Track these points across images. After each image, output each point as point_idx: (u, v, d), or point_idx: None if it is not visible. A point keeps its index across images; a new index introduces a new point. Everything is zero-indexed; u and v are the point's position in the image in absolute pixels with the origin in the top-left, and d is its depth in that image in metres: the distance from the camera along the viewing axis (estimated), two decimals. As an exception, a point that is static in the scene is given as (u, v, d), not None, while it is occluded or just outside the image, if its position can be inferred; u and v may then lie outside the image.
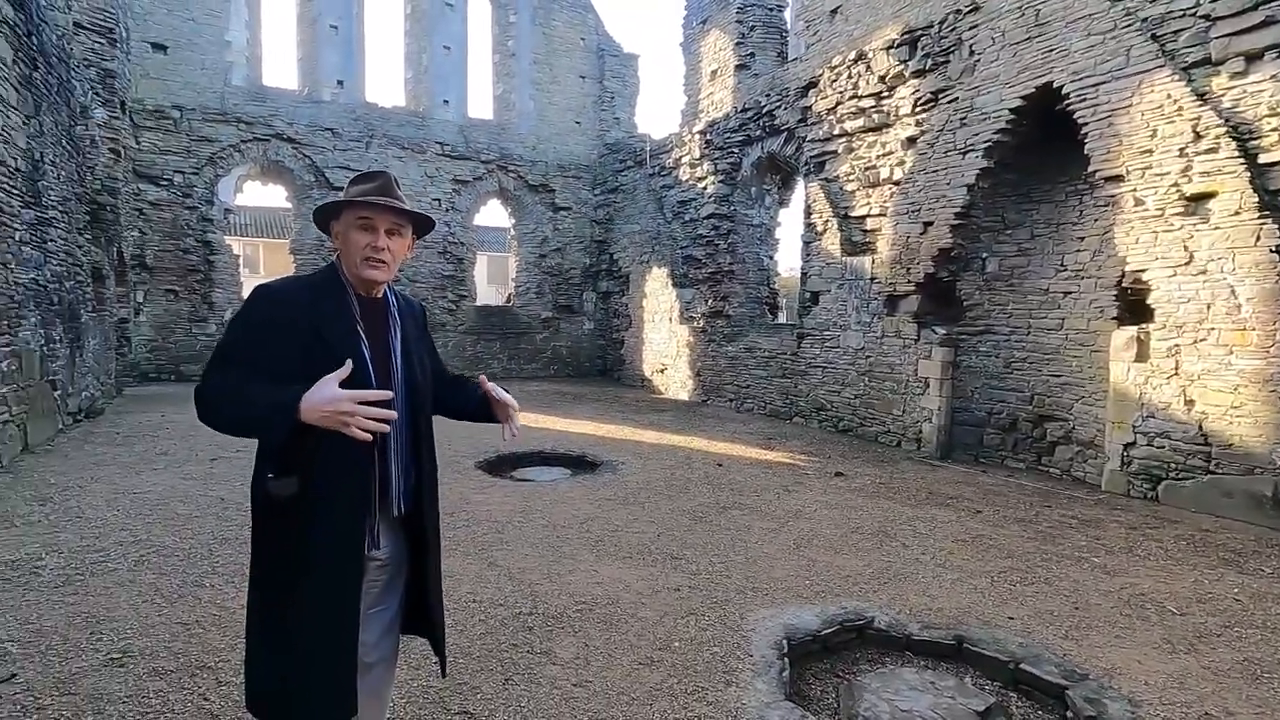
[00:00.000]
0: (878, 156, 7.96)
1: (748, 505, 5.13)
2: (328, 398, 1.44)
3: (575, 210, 14.80)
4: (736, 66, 11.01)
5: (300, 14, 12.81)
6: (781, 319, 12.56)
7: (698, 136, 11.33)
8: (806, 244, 9.22)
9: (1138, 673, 2.77)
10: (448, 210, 13.54)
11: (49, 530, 4.01)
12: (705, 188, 11.21)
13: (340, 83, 12.78)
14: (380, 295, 1.74)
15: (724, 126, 10.75)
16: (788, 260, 12.91)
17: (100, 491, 4.86)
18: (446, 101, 13.62)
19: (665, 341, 12.49)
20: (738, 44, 10.95)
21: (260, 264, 25.92)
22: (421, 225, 1.79)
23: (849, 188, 8.39)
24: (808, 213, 9.18)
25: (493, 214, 15.94)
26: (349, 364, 1.51)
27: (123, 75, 10.28)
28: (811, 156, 8.97)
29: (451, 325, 13.76)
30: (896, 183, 7.72)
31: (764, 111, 9.91)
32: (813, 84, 8.93)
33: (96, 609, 2.99)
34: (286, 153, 12.26)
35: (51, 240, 7.05)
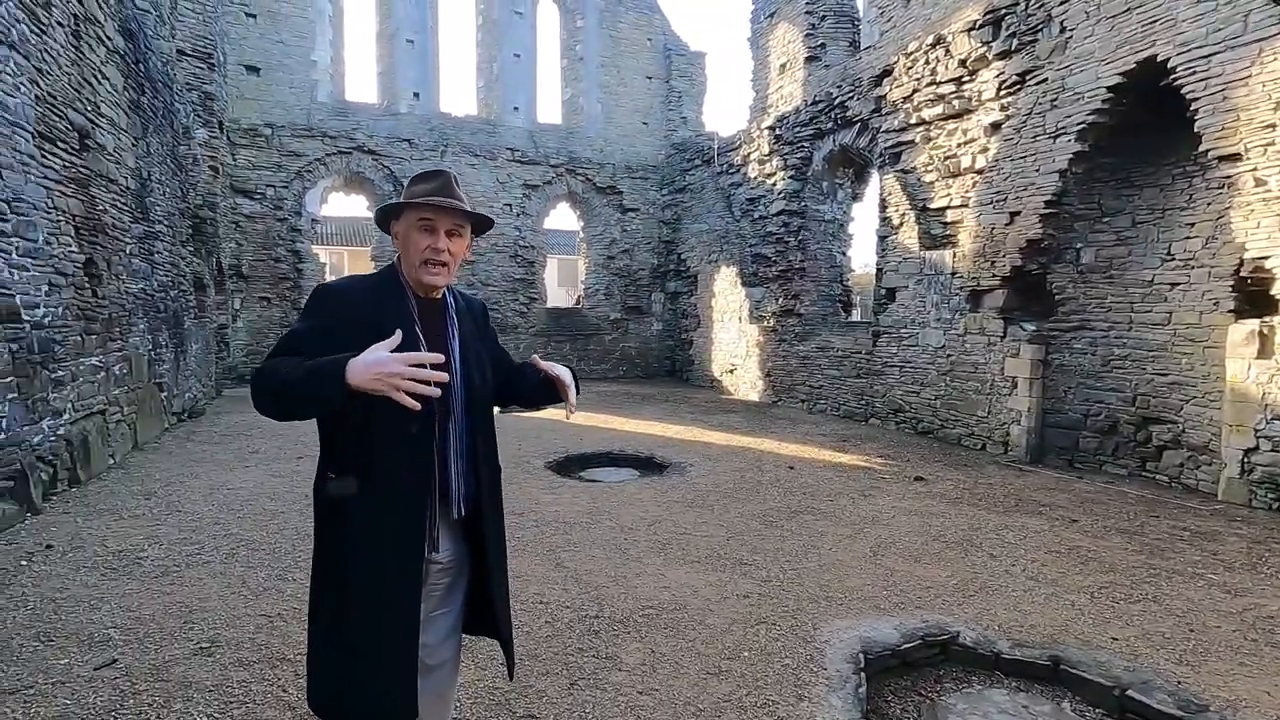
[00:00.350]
0: (958, 145, 7.57)
1: (821, 510, 4.95)
2: (377, 359, 1.38)
3: (643, 211, 14.81)
4: (806, 59, 10.73)
5: (380, 31, 13.34)
6: (855, 317, 12.16)
7: (766, 132, 11.11)
8: (882, 239, 8.87)
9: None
10: (518, 215, 13.81)
11: (151, 523, 4.28)
12: (774, 184, 10.98)
13: (416, 95, 13.23)
14: (439, 296, 1.73)
15: (793, 120, 10.49)
16: (861, 256, 12.51)
17: (198, 487, 5.16)
18: (516, 108, 13.89)
19: (734, 341, 12.31)
20: (807, 35, 10.68)
21: (345, 270, 27.21)
22: (480, 225, 1.78)
23: (927, 178, 8.02)
24: (883, 206, 8.84)
25: (562, 217, 16.17)
26: (399, 334, 1.46)
27: (220, 97, 10.98)
28: (886, 148, 8.62)
29: (523, 327, 14.01)
30: (979, 171, 7.31)
31: (835, 103, 9.61)
32: (887, 72, 8.59)
33: (190, 599, 3.16)
34: (367, 164, 12.79)
35: (158, 253, 7.59)
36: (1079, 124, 6.20)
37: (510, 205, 13.72)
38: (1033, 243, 6.77)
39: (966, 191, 7.49)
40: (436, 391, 1.43)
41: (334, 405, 1.42)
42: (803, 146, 10.44)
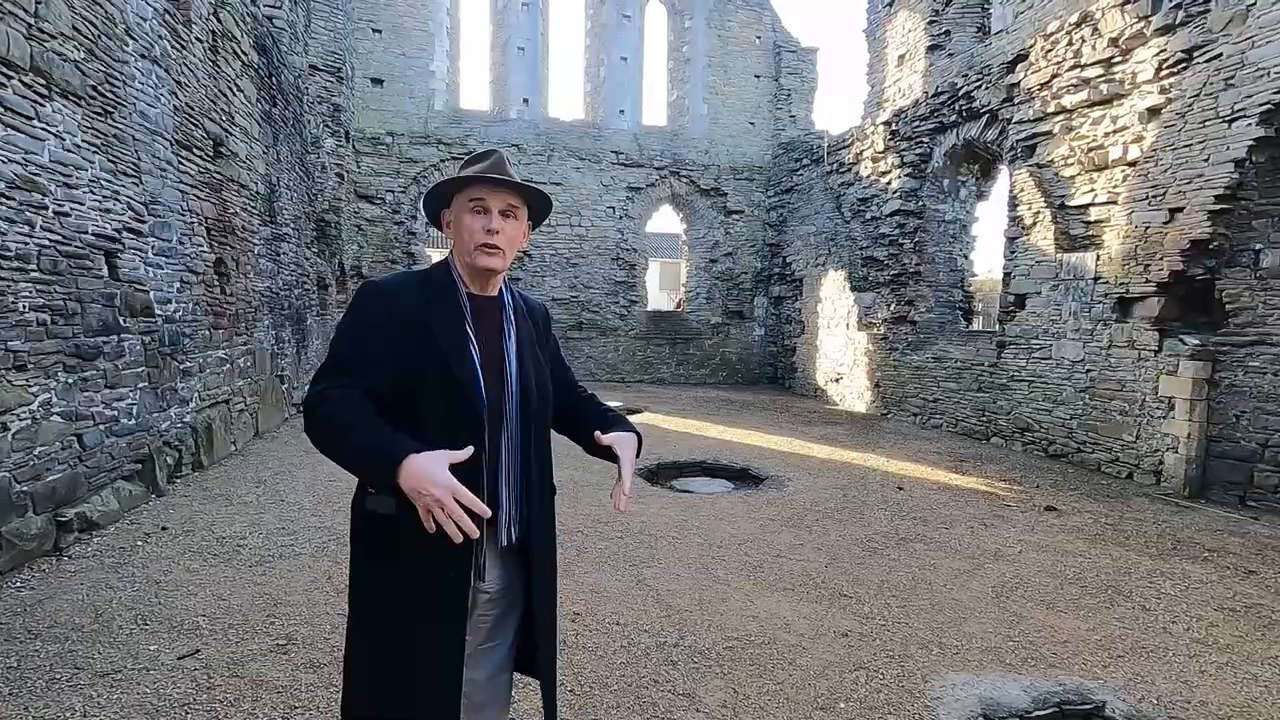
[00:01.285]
0: (1105, 134, 6.72)
1: (934, 539, 4.46)
2: (429, 474, 1.26)
3: (747, 213, 14.41)
4: (928, 48, 10.01)
5: (493, 40, 13.77)
6: (976, 325, 11.21)
7: (882, 128, 10.45)
8: (1011, 240, 8.07)
9: None
10: (621, 218, 13.81)
11: (257, 511, 4.47)
12: (889, 182, 10.30)
13: (526, 100, 13.53)
14: (495, 293, 1.56)
15: (912, 114, 9.79)
16: (984, 260, 11.53)
17: (303, 478, 5.38)
18: (622, 111, 13.90)
19: (841, 349, 11.69)
20: (930, 23, 9.96)
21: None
22: (537, 210, 1.60)
23: (1066, 173, 7.19)
24: (1013, 204, 8.03)
25: (666, 220, 16.08)
26: (469, 450, 1.34)
27: (347, 108, 11.68)
28: (1019, 140, 7.82)
29: (622, 330, 13.99)
30: (1131, 163, 6.45)
31: (960, 94, 8.87)
32: (1021, 57, 7.80)
33: (277, 592, 3.20)
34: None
35: (284, 254, 8.09)
36: (1263, 105, 5.30)
37: (613, 208, 13.74)
38: (1198, 244, 5.88)
39: (1115, 186, 6.64)
40: (473, 532, 1.28)
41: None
42: (921, 142, 9.72)
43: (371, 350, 1.42)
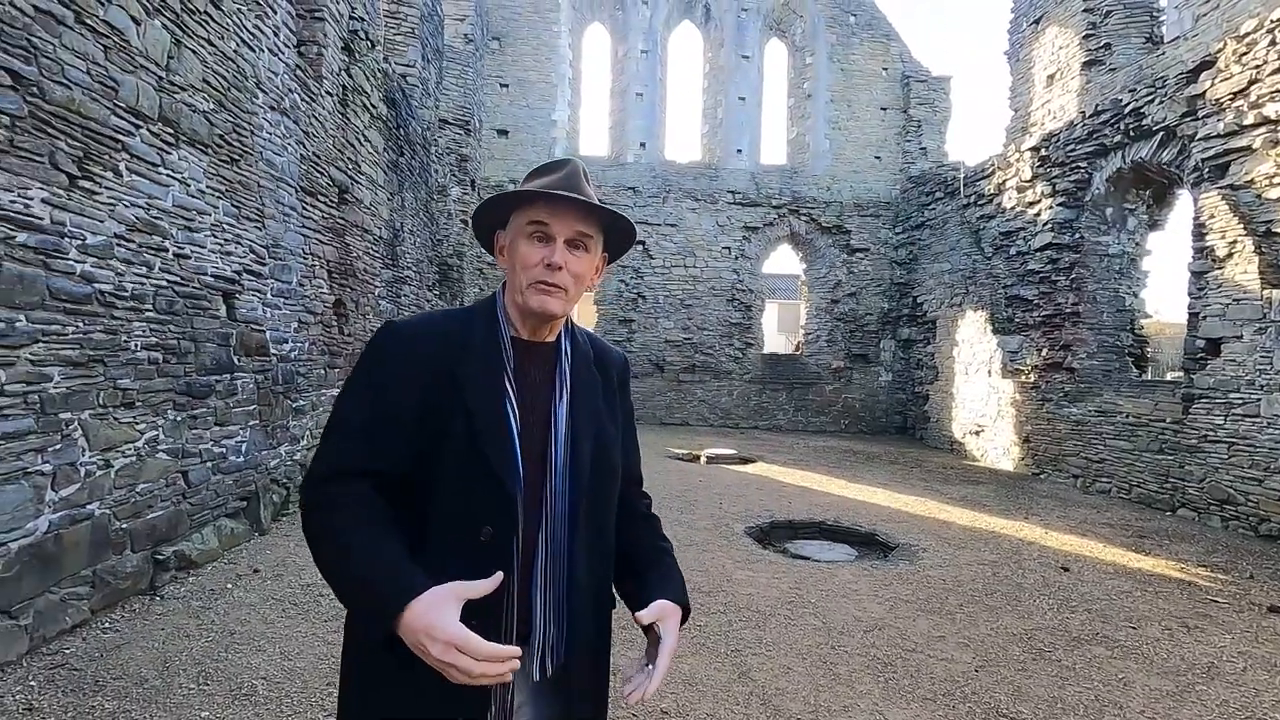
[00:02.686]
0: (1328, 145, 5.54)
1: (1119, 642, 3.57)
2: (431, 633, 0.92)
3: (873, 251, 13.57)
4: (1084, 64, 8.99)
5: (613, 87, 14.04)
6: (1148, 375, 9.68)
7: (1028, 154, 9.43)
8: (1198, 275, 6.85)
9: None
10: (737, 258, 13.43)
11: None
12: (1038, 214, 9.23)
13: (643, 144, 13.61)
14: (552, 338, 1.19)
15: (1066, 137, 8.75)
16: (1156, 301, 10.01)
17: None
18: (740, 151, 13.64)
19: (982, 398, 10.49)
20: (1086, 36, 8.95)
21: (575, 317, 29.08)
22: (618, 239, 1.23)
23: (1272, 194, 6.00)
24: (1200, 233, 6.84)
25: (784, 260, 15.50)
26: (498, 576, 0.99)
27: (474, 158, 12.22)
28: (1206, 158, 6.68)
29: (737, 373, 13.46)
30: (1368, 178, 5.24)
31: (1126, 111, 7.79)
32: (1206, 64, 6.71)
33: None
34: (594, 212, 13.34)
35: (404, 295, 8.36)
36: None
37: (729, 248, 13.40)
38: None
39: (1344, 207, 5.42)
40: (503, 678, 0.95)
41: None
42: (1078, 167, 8.64)
43: (386, 412, 1.08)
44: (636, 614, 1.14)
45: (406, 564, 0.99)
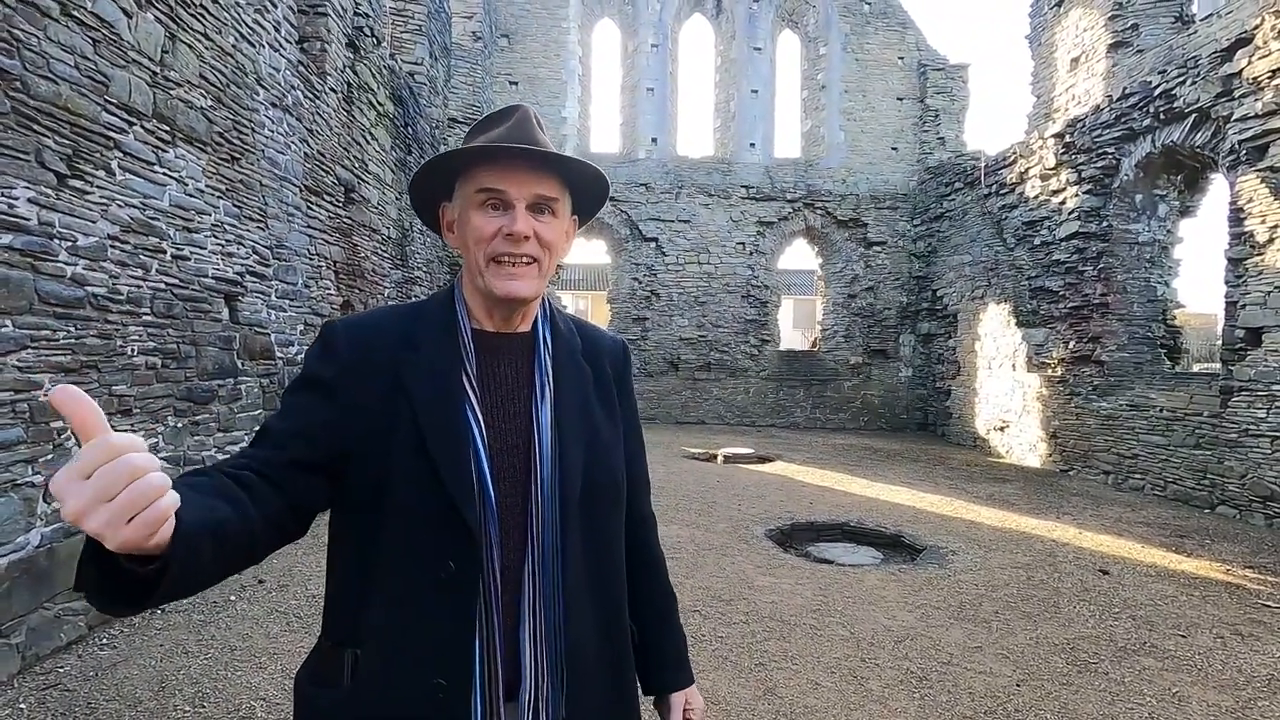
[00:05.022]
0: (1378, 122, 5.25)
1: (1169, 651, 3.35)
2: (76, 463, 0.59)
3: (890, 244, 13.29)
4: (1110, 46, 8.70)
5: (623, 83, 13.87)
6: (1182, 366, 9.34)
7: (1052, 141, 9.14)
8: (1236, 262, 6.56)
9: None
10: (751, 253, 13.21)
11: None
12: (1063, 202, 8.94)
13: (654, 140, 13.42)
14: (526, 328, 1.00)
15: (1092, 122, 8.46)
16: (1188, 290, 9.68)
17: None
18: (753, 144, 13.42)
19: (1007, 393, 10.20)
20: (1111, 18, 8.66)
21: (589, 315, 29.06)
22: (588, 200, 1.04)
23: (1317, 175, 5.71)
24: (1237, 218, 6.54)
25: (799, 256, 15.26)
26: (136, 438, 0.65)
27: (483, 157, 12.10)
28: (1243, 140, 6.39)
29: (753, 371, 13.24)
30: None
31: (1156, 93, 7.50)
32: (1242, 42, 6.42)
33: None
34: (606, 210, 13.16)
35: (414, 296, 8.24)
36: None
37: (743, 244, 13.19)
38: None
39: (1396, 187, 5.13)
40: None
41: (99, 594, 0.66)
42: (1105, 153, 8.34)
43: (310, 420, 0.89)
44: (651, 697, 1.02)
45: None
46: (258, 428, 0.98)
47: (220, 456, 4.07)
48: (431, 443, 0.87)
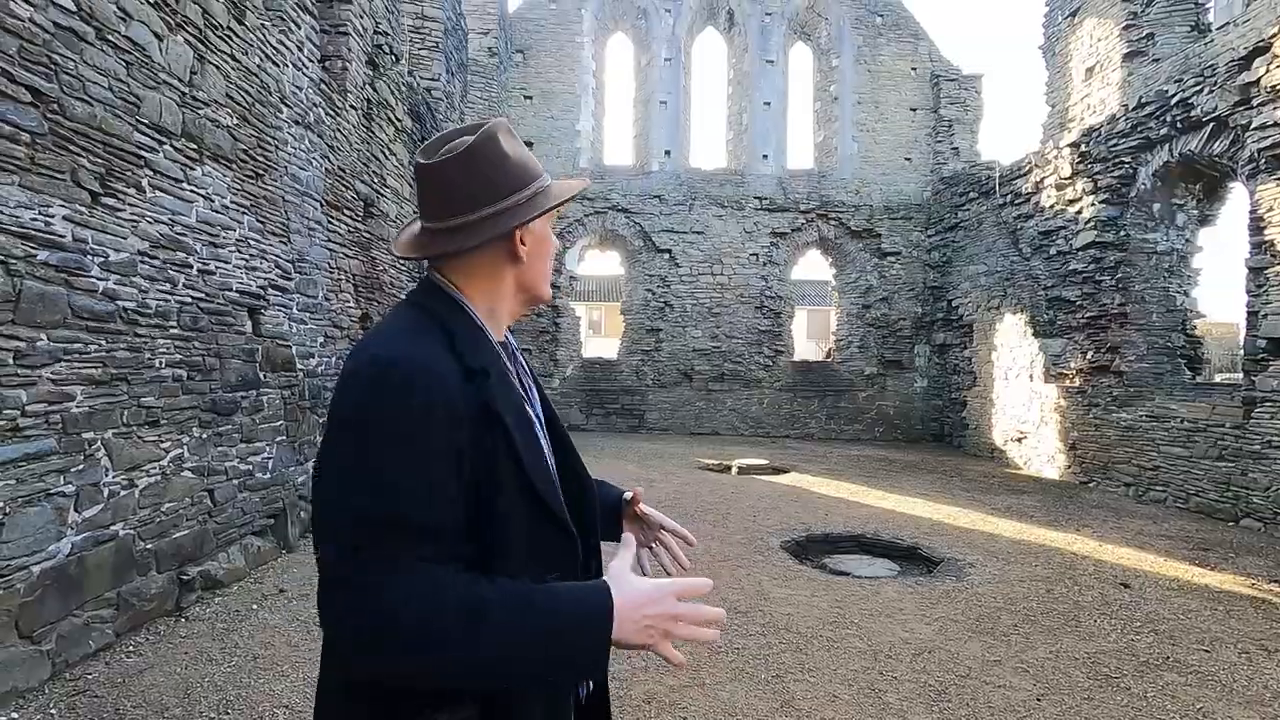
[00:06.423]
0: (1400, 130, 5.20)
1: (1192, 666, 3.31)
2: (647, 594, 0.84)
3: (904, 255, 13.25)
4: (1125, 55, 8.67)
5: (636, 96, 13.99)
6: (1203, 377, 9.22)
7: (1068, 150, 9.10)
8: (1257, 271, 6.49)
9: None
10: (764, 264, 13.23)
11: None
12: (1079, 211, 8.89)
13: (668, 152, 13.51)
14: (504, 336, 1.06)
15: (1108, 132, 8.42)
16: (1207, 299, 9.57)
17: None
18: (765, 156, 13.46)
19: (1024, 404, 10.12)
20: (1127, 26, 8.64)
21: (603, 326, 29.11)
22: None
23: (1339, 184, 5.65)
24: (1258, 227, 6.48)
25: (813, 267, 15.24)
26: (704, 582, 0.90)
27: (498, 170, 12.24)
28: (1263, 149, 6.34)
29: (767, 381, 13.22)
30: None
31: (1173, 102, 7.46)
32: (1260, 50, 6.38)
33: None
34: (620, 222, 13.27)
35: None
36: None
37: (756, 255, 13.20)
38: None
39: None
40: (713, 635, 0.90)
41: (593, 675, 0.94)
42: (1121, 162, 8.30)
43: (442, 483, 0.83)
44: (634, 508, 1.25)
45: (551, 587, 0.86)
46: (357, 514, 0.80)
47: (243, 467, 4.14)
48: (530, 465, 0.91)
